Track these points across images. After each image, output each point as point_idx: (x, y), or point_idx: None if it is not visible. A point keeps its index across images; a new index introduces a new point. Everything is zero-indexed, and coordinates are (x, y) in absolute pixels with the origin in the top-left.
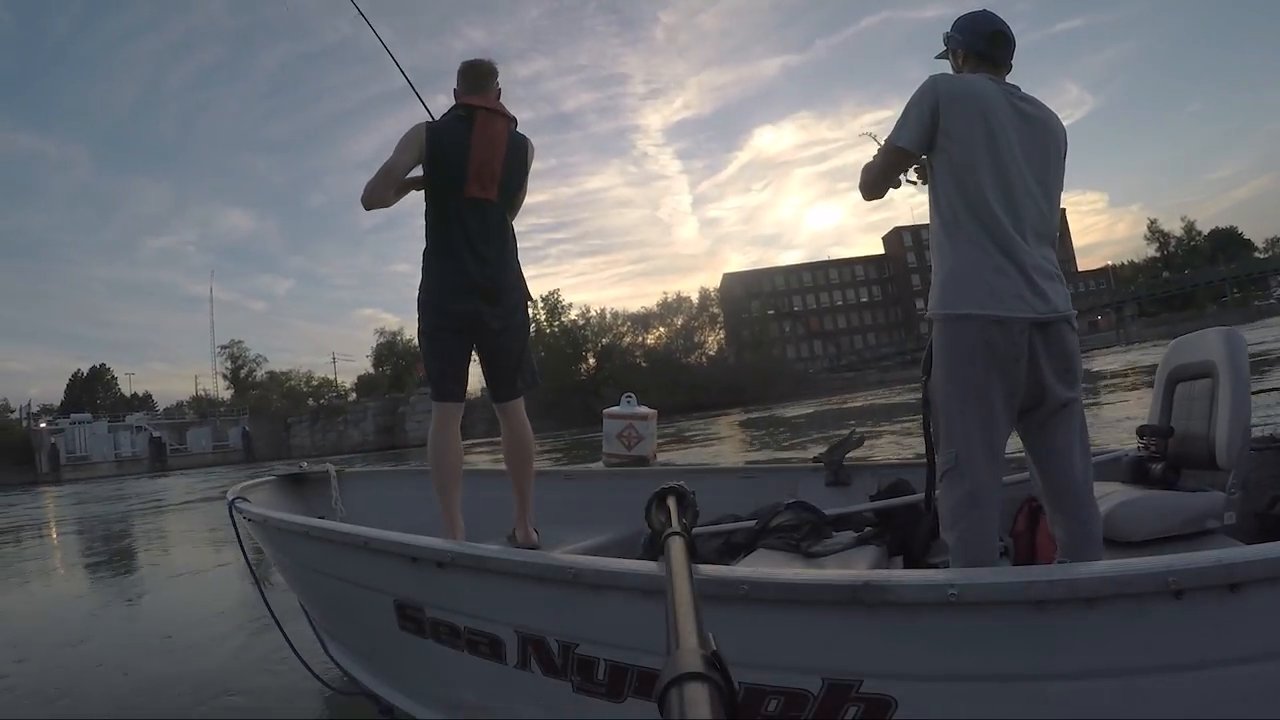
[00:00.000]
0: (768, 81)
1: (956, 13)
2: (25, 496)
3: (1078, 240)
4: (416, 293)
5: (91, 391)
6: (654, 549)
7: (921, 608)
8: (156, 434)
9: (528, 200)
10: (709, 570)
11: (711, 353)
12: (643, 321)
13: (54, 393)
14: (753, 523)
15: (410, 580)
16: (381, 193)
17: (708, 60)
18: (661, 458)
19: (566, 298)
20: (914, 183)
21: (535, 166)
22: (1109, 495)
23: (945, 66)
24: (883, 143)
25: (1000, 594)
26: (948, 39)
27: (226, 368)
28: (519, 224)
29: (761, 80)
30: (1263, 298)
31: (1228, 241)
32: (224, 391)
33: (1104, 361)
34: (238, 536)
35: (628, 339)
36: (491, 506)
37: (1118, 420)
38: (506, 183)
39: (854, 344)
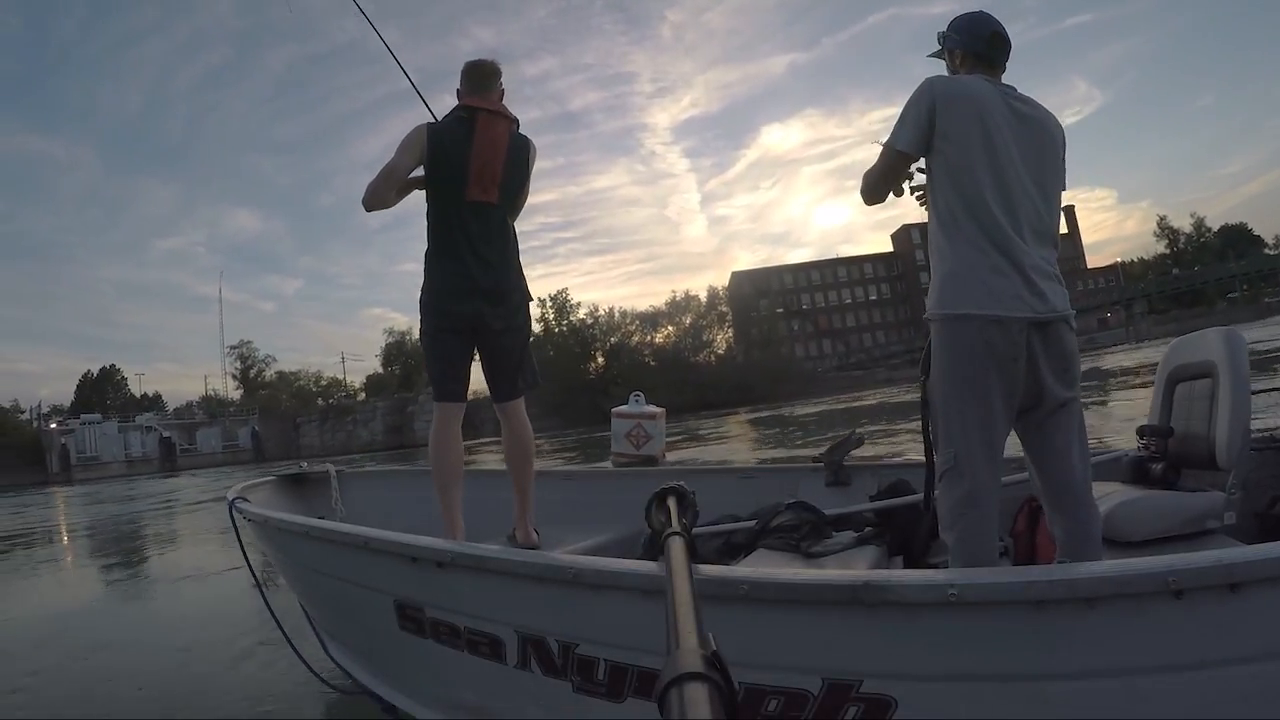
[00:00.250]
0: (775, 79)
1: (963, 9)
2: (37, 497)
3: (1087, 237)
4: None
5: (101, 392)
6: (654, 549)
7: (921, 608)
8: (166, 434)
9: (535, 199)
10: (709, 570)
11: (720, 351)
12: (651, 320)
13: (64, 393)
14: (753, 523)
15: (410, 580)
16: (382, 194)
17: (715, 58)
18: (673, 456)
19: (575, 297)
20: (918, 192)
21: (543, 165)
22: (1109, 495)
23: (939, 65)
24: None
25: (1000, 594)
26: (944, 39)
27: (236, 368)
28: (526, 223)
29: (769, 78)
30: (1273, 294)
31: (1237, 238)
32: (233, 391)
33: (1114, 359)
34: (238, 537)
35: (636, 338)
36: (491, 506)
37: (1130, 419)
38: (507, 185)
39: (863, 342)
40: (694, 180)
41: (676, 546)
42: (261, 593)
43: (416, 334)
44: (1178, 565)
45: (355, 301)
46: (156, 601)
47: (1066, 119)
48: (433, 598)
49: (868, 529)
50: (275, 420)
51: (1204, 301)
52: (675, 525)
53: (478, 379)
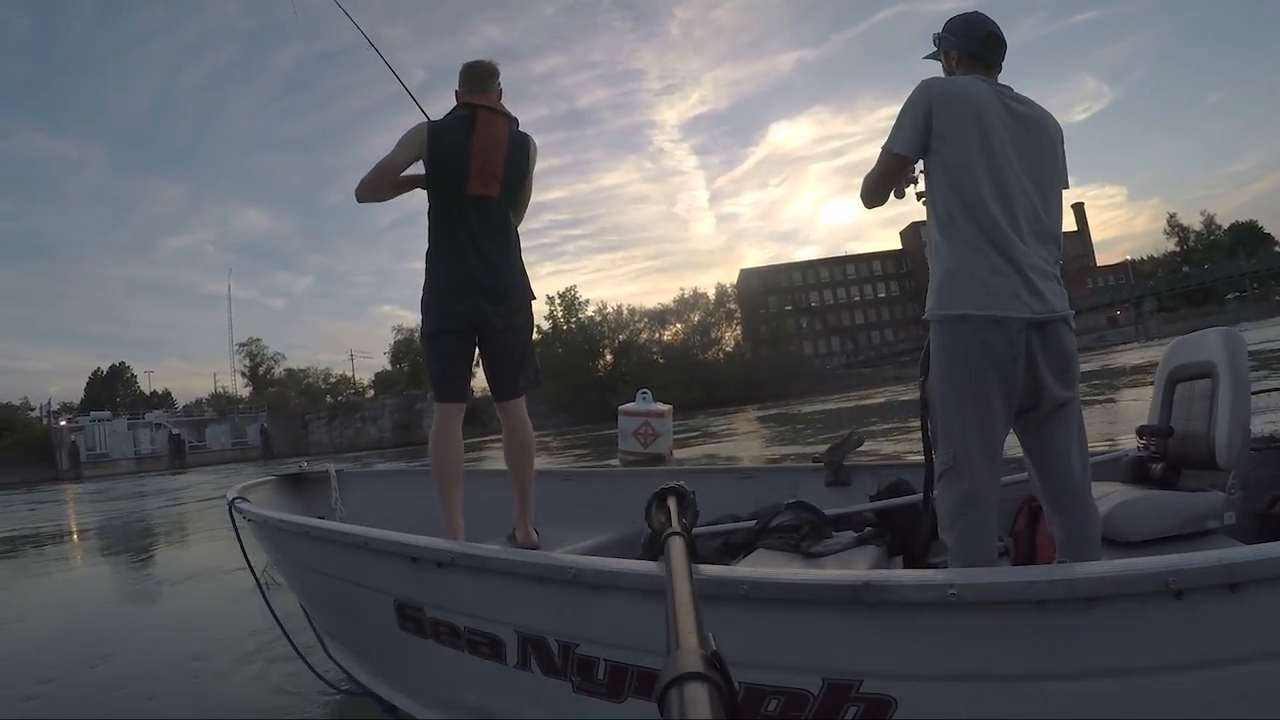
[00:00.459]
0: (783, 76)
1: (972, 5)
2: (47, 494)
3: (1096, 235)
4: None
5: (111, 389)
6: (654, 549)
7: (921, 608)
8: (175, 431)
9: (544, 196)
10: (709, 570)
11: (728, 349)
12: (659, 318)
13: (74, 391)
14: (753, 523)
15: (410, 580)
16: (374, 187)
17: (723, 55)
18: (687, 453)
19: (583, 294)
20: (922, 198)
21: (551, 163)
22: (1109, 495)
23: (934, 67)
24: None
25: (1000, 594)
26: (939, 40)
27: (245, 365)
28: (535, 220)
29: (777, 75)
30: None
31: (1248, 235)
32: (242, 389)
33: (1124, 358)
34: (237, 537)
35: (644, 335)
36: (491, 506)
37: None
38: (508, 180)
39: (871, 339)
40: (702, 177)
41: (676, 546)
42: (262, 593)
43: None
44: (1178, 565)
45: (364, 299)
46: (163, 603)
47: (1075, 116)
48: (433, 598)
49: (868, 529)
50: (284, 417)
51: (1214, 300)
52: (675, 525)
53: (482, 377)
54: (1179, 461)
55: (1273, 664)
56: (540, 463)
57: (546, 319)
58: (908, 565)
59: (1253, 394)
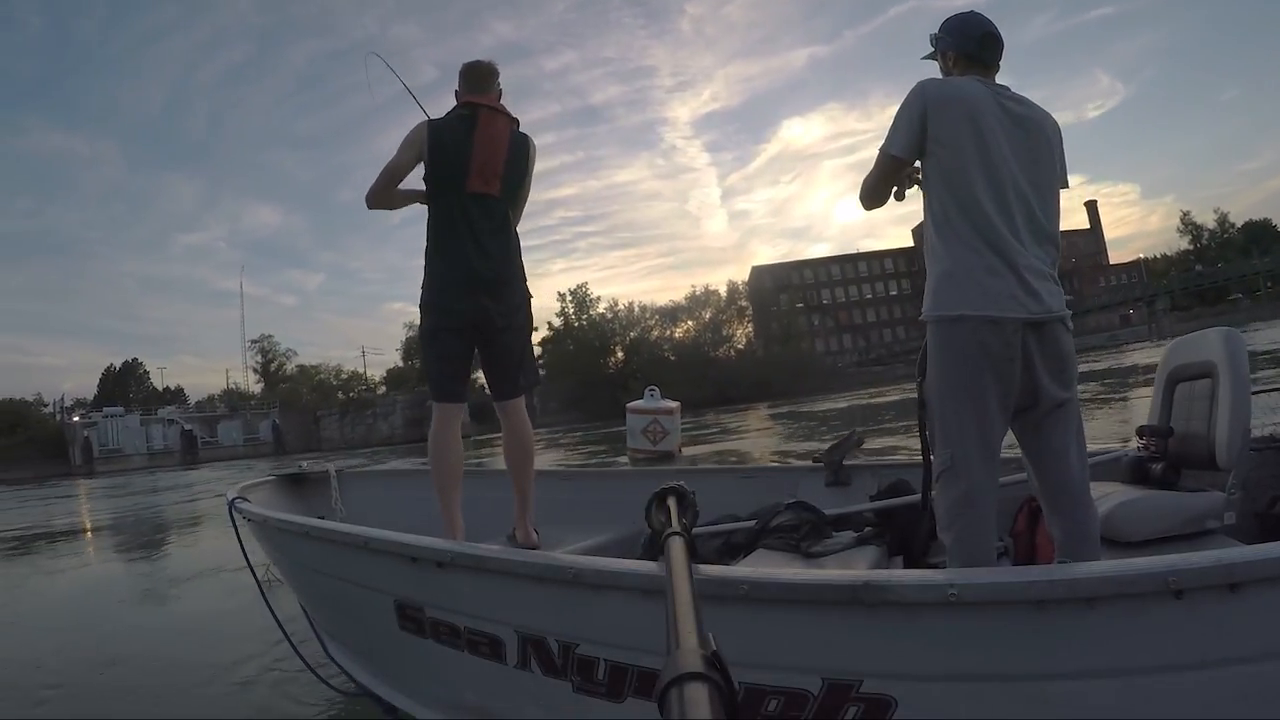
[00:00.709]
0: (795, 73)
1: (981, 3)
2: (60, 489)
3: (1110, 233)
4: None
5: (124, 385)
6: (654, 549)
7: (921, 608)
8: (188, 427)
9: (556, 193)
10: (709, 570)
11: (740, 346)
12: (671, 315)
13: (87, 387)
14: (753, 523)
15: (410, 580)
16: (383, 194)
17: (735, 52)
18: (703, 450)
19: (595, 291)
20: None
21: (564, 159)
22: (1109, 495)
23: (933, 68)
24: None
25: (1000, 594)
26: (936, 41)
27: (257, 362)
28: (547, 217)
29: (789, 72)
30: None
31: (1261, 234)
32: (254, 385)
33: (1136, 357)
34: (238, 537)
35: (656, 332)
36: (491, 506)
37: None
38: (509, 179)
39: (883, 337)
40: (714, 174)
41: (676, 546)
42: (262, 593)
43: None
44: (1178, 565)
45: (376, 296)
46: (171, 603)
47: (1088, 113)
48: (433, 598)
49: (868, 529)
50: (296, 414)
51: (1227, 299)
52: (675, 525)
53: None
54: (1179, 461)
55: (1273, 664)
56: (552, 459)
57: (558, 315)
58: (908, 565)
59: (1253, 394)
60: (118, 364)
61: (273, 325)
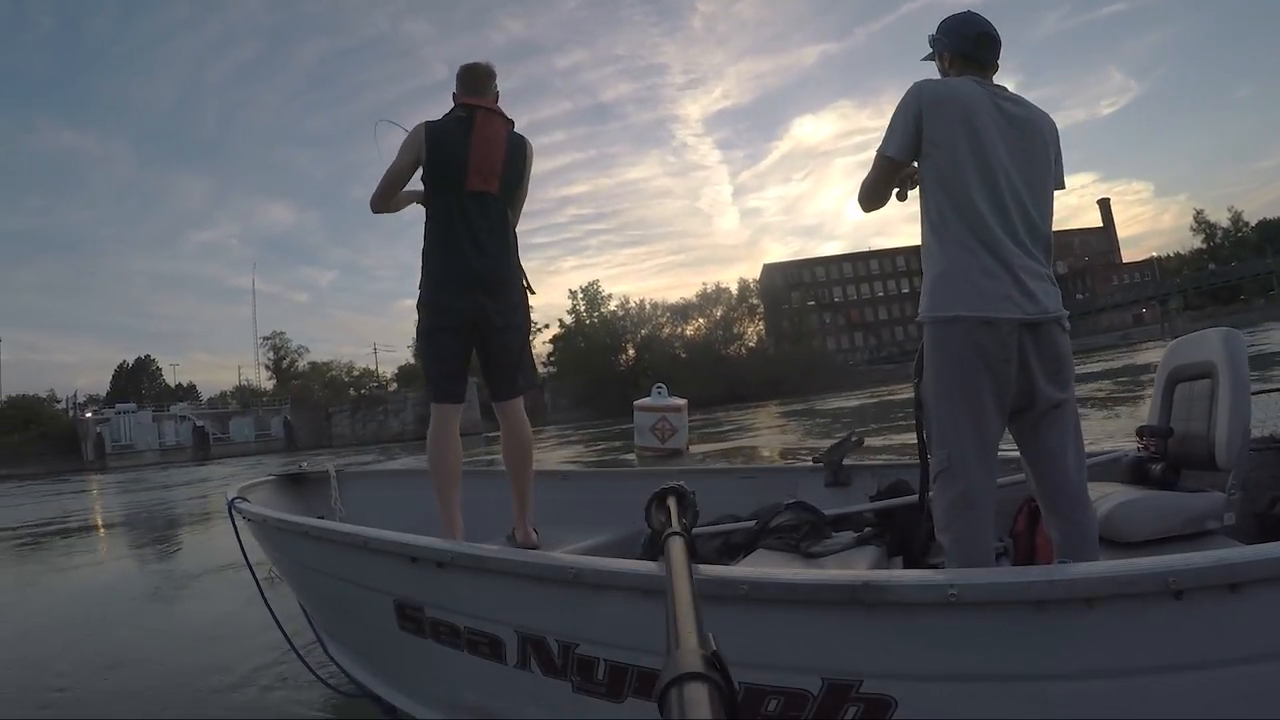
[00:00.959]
0: (807, 70)
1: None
2: (73, 484)
3: (1123, 231)
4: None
5: (137, 382)
6: (654, 549)
7: (921, 608)
8: (200, 423)
9: (567, 190)
10: (709, 570)
11: (751, 344)
12: (682, 312)
13: (100, 383)
14: (753, 523)
15: (410, 580)
16: (386, 197)
17: (746, 49)
18: (710, 448)
19: (606, 288)
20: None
21: (575, 157)
22: (1108, 496)
23: (933, 69)
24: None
25: (1000, 594)
26: (933, 41)
27: (269, 358)
28: (558, 215)
29: (800, 69)
30: None
31: (1276, 233)
32: (266, 382)
33: (1148, 356)
34: (237, 537)
35: (667, 330)
36: (491, 506)
37: None
38: (507, 178)
39: (894, 335)
40: (726, 172)
41: (676, 546)
42: (262, 593)
43: None
44: (1178, 565)
45: (388, 293)
46: (176, 603)
47: (1102, 110)
48: (432, 598)
49: (867, 529)
50: (307, 410)
51: (1240, 298)
52: (675, 525)
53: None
54: (1179, 462)
55: (1273, 664)
56: (563, 456)
57: (569, 313)
58: (907, 565)
59: (1252, 394)
60: (130, 361)
61: (285, 322)
